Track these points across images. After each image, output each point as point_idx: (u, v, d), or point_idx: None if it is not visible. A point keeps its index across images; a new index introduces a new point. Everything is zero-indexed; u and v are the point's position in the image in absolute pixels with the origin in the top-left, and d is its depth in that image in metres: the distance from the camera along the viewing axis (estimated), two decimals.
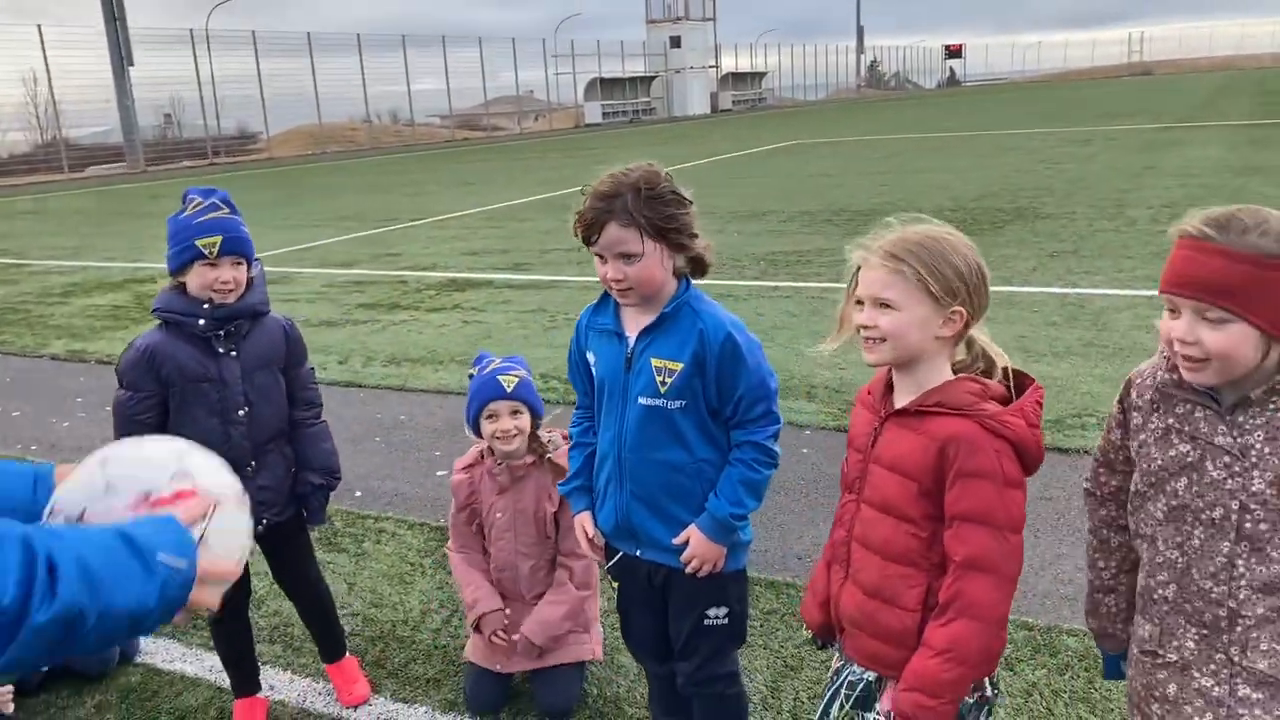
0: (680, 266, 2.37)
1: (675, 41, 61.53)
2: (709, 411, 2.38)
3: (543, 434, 3.13)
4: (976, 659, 1.82)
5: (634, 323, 2.40)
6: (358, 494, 4.97)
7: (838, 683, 2.09)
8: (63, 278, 12.35)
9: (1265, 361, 1.61)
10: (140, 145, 37.86)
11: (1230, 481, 1.68)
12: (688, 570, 2.40)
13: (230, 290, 2.82)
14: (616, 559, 2.55)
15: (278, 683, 3.32)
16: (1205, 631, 1.74)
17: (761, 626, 3.53)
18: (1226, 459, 1.67)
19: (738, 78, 71.31)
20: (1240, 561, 1.69)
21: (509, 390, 3.02)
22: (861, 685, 2.03)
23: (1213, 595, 1.71)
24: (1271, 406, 1.64)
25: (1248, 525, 1.67)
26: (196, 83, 40.00)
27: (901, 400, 1.93)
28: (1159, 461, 1.76)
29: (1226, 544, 1.69)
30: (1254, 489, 1.66)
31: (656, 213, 2.26)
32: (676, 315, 2.35)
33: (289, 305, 9.67)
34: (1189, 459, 1.72)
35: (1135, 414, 1.82)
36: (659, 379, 2.34)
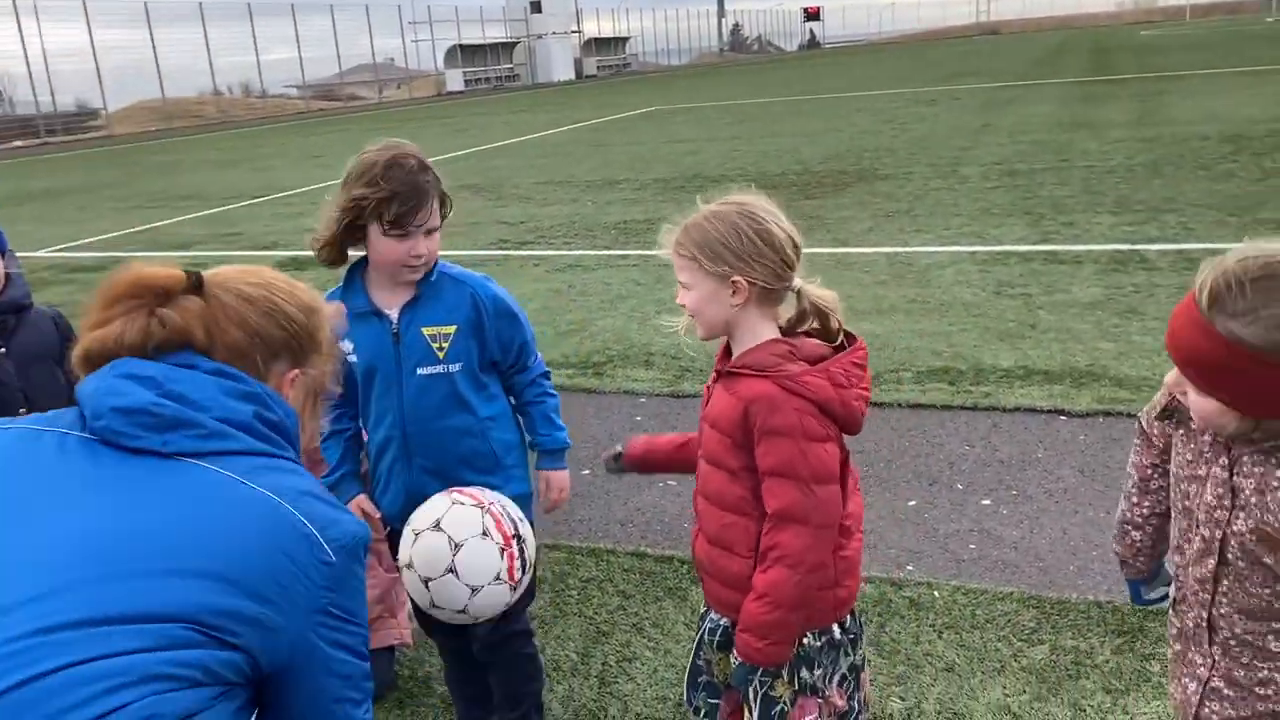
0: None
1: (536, 6, 60.62)
2: (483, 370, 2.50)
3: None
4: (792, 602, 1.94)
5: (389, 300, 2.44)
6: None
7: (703, 628, 2.21)
8: None
9: (1258, 430, 1.59)
10: None
11: (1219, 511, 1.68)
12: (547, 509, 2.67)
13: None
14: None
15: None
16: (1201, 619, 1.79)
17: (579, 595, 3.59)
18: (1220, 490, 1.67)
19: (601, 43, 70.87)
20: (1225, 581, 1.71)
21: None
22: (720, 630, 2.14)
23: (1200, 596, 1.76)
24: (1273, 461, 1.60)
25: (1229, 555, 1.69)
26: (24, 56, 37.56)
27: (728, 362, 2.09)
28: (1180, 460, 1.79)
29: (1212, 560, 1.72)
30: (1236, 528, 1.66)
31: (441, 188, 2.40)
32: (438, 285, 2.45)
33: None
34: (1198, 472, 1.73)
35: (1160, 431, 1.91)
36: (435, 345, 2.43)
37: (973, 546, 3.73)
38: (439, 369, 2.43)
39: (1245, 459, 1.64)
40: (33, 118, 39.04)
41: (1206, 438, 1.70)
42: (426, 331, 2.42)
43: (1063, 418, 4.78)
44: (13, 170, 25.10)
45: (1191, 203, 9.20)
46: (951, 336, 6.04)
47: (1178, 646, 1.88)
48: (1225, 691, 1.77)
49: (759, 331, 2.01)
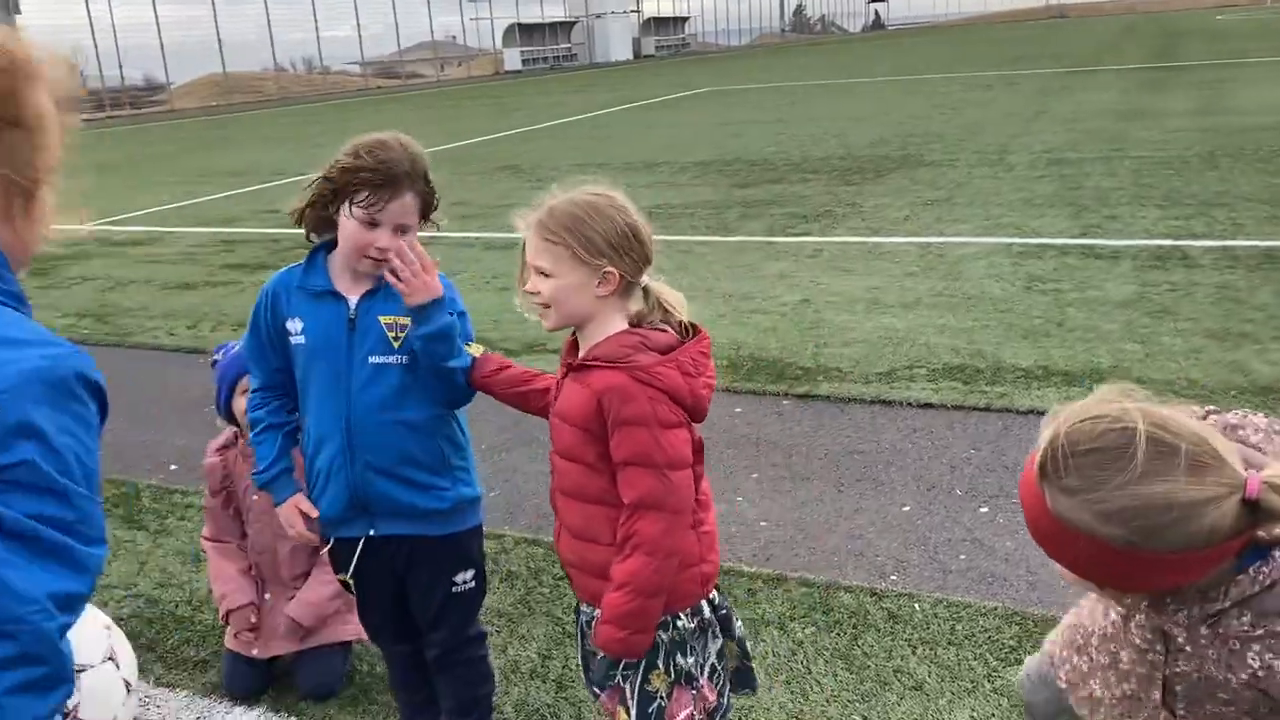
0: None
1: None
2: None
3: None
4: (652, 589, 1.94)
5: (349, 288, 2.35)
6: (173, 468, 4.83)
7: (581, 620, 2.20)
8: None
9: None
10: None
11: (1152, 653, 1.48)
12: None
13: None
14: (352, 558, 2.45)
15: None
16: None
17: (550, 593, 3.51)
18: (1149, 637, 1.48)
19: (660, 22, 70.37)
20: None
21: None
22: (588, 618, 2.14)
23: None
24: (1202, 640, 1.39)
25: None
26: (90, 31, 38.30)
27: (578, 355, 2.06)
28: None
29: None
30: (1179, 668, 1.44)
31: (429, 189, 2.31)
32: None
33: (151, 268, 9.37)
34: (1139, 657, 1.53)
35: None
36: (391, 335, 2.33)
37: (963, 557, 3.58)
38: (392, 359, 2.33)
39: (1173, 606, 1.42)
40: (97, 92, 39.84)
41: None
42: (384, 320, 2.33)
43: None
44: (72, 143, 25.59)
45: (1244, 197, 8.82)
46: (973, 333, 5.84)
47: None
48: None
49: (611, 324, 2.01)
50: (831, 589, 3.40)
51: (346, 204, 2.22)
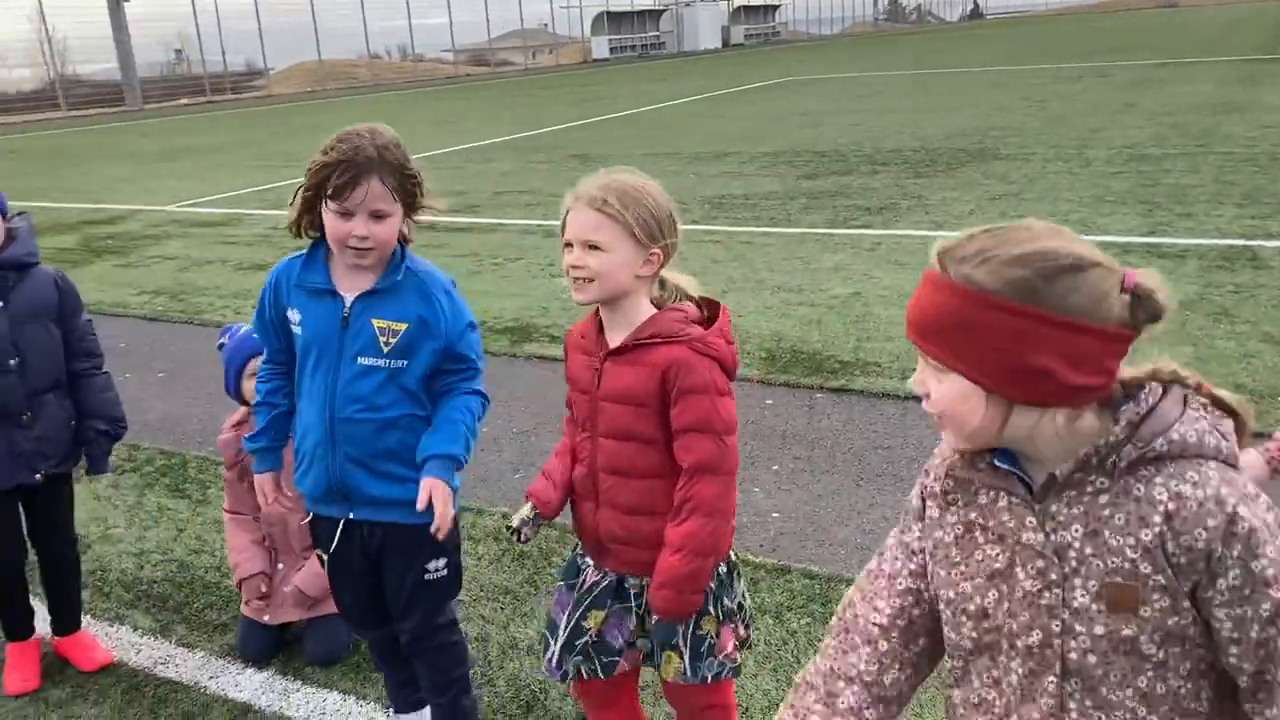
0: (404, 232, 2.42)
1: None
2: (426, 371, 2.43)
3: None
4: (708, 550, 2.08)
5: (350, 283, 2.41)
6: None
7: (594, 593, 2.26)
8: None
9: (1014, 428, 1.28)
10: (138, 83, 37.66)
11: (1046, 595, 1.31)
12: (434, 528, 2.38)
13: None
14: (333, 536, 2.53)
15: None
16: None
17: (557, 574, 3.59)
18: (1040, 564, 1.31)
19: (750, 10, 69.84)
20: (1072, 704, 1.32)
21: None
22: (635, 589, 2.23)
23: None
24: (1090, 489, 1.28)
25: (1073, 655, 1.30)
26: (193, 16, 39.65)
27: (615, 338, 2.13)
28: (961, 569, 1.40)
29: (1051, 679, 1.33)
30: (1076, 604, 1.29)
31: (405, 175, 2.33)
32: (402, 282, 2.39)
33: (228, 248, 9.72)
34: (997, 564, 1.35)
35: (931, 504, 1.46)
36: (382, 339, 2.38)
37: None
38: (380, 362, 2.38)
39: (1055, 509, 1.30)
40: (199, 77, 41.23)
41: (1003, 501, 1.35)
42: (377, 323, 2.37)
43: None
44: (172, 127, 26.60)
45: None
46: None
47: None
48: None
49: (642, 304, 2.12)
50: (834, 582, 3.41)
51: (326, 197, 2.29)
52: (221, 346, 3.17)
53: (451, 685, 2.67)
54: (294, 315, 2.46)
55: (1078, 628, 1.29)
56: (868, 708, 1.49)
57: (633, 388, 2.08)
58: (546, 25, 62.59)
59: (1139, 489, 1.25)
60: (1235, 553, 1.21)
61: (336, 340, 2.41)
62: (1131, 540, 1.25)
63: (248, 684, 3.08)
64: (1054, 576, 1.30)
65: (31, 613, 3.20)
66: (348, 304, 2.39)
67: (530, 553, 3.72)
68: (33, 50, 40.46)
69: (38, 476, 2.98)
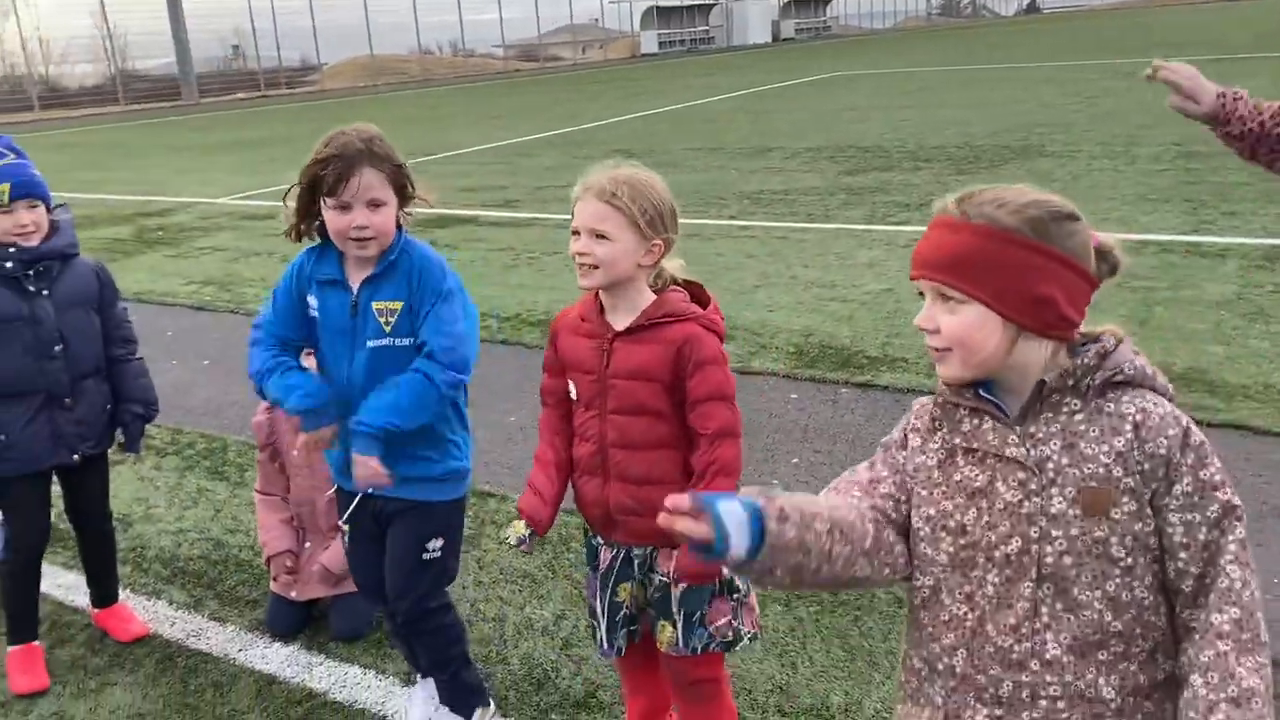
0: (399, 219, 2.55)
1: None
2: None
3: None
4: None
5: (357, 273, 2.54)
6: None
7: (615, 567, 2.37)
8: (78, 210, 12.75)
9: (1016, 355, 1.46)
10: (194, 78, 38.48)
11: (1026, 504, 1.45)
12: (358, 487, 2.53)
13: (31, 233, 2.97)
14: (352, 506, 2.66)
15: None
16: (999, 712, 1.48)
17: (575, 559, 3.67)
18: (1021, 475, 1.46)
19: (800, 4, 69.40)
20: (1045, 608, 1.45)
21: None
22: (640, 559, 2.34)
23: (1012, 655, 1.46)
24: (1065, 410, 1.46)
25: (1049, 559, 1.44)
26: (249, 13, 40.38)
27: (621, 320, 2.26)
28: (943, 489, 1.53)
29: (1027, 585, 1.45)
30: (1054, 510, 1.44)
31: (393, 164, 2.46)
32: (397, 262, 2.52)
33: (275, 241, 9.93)
34: (977, 483, 1.50)
35: (913, 435, 1.60)
36: (382, 320, 2.52)
37: None
38: (386, 342, 2.51)
39: (1034, 429, 1.47)
40: (254, 73, 41.96)
41: (986, 424, 1.50)
42: (376, 305, 2.51)
43: None
44: (226, 121, 27.14)
45: None
46: None
47: None
48: None
49: (642, 290, 2.26)
50: None
51: (324, 196, 2.41)
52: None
53: (451, 662, 2.77)
54: (312, 301, 2.60)
55: (1054, 532, 1.44)
56: (867, 509, 1.58)
57: (647, 364, 2.21)
58: (596, 20, 62.85)
59: (1109, 406, 1.46)
60: (1189, 461, 1.41)
61: (349, 327, 2.54)
62: (1105, 448, 1.43)
63: (274, 657, 3.21)
64: (1034, 486, 1.46)
65: (37, 611, 3.23)
66: (355, 292, 2.53)
67: (550, 539, 3.81)
68: (95, 46, 41.50)
69: (75, 457, 3.11)
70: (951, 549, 1.52)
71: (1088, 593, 1.43)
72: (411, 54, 49.53)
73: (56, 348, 3.03)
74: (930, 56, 33.16)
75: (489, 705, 2.85)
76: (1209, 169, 9.99)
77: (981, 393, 1.51)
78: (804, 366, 5.46)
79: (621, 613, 2.39)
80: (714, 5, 60.35)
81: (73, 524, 3.32)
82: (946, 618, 1.52)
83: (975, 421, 1.52)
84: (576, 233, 2.20)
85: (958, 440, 1.53)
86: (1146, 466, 1.42)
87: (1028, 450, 1.46)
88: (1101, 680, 1.44)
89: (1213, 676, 1.36)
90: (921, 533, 1.56)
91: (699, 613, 2.30)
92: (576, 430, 2.37)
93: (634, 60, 51.06)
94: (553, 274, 7.91)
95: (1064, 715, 1.45)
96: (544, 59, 56.34)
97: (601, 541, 2.40)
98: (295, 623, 3.32)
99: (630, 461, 2.27)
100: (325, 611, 3.37)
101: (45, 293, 3.02)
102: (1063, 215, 1.46)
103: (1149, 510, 1.42)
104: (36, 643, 3.21)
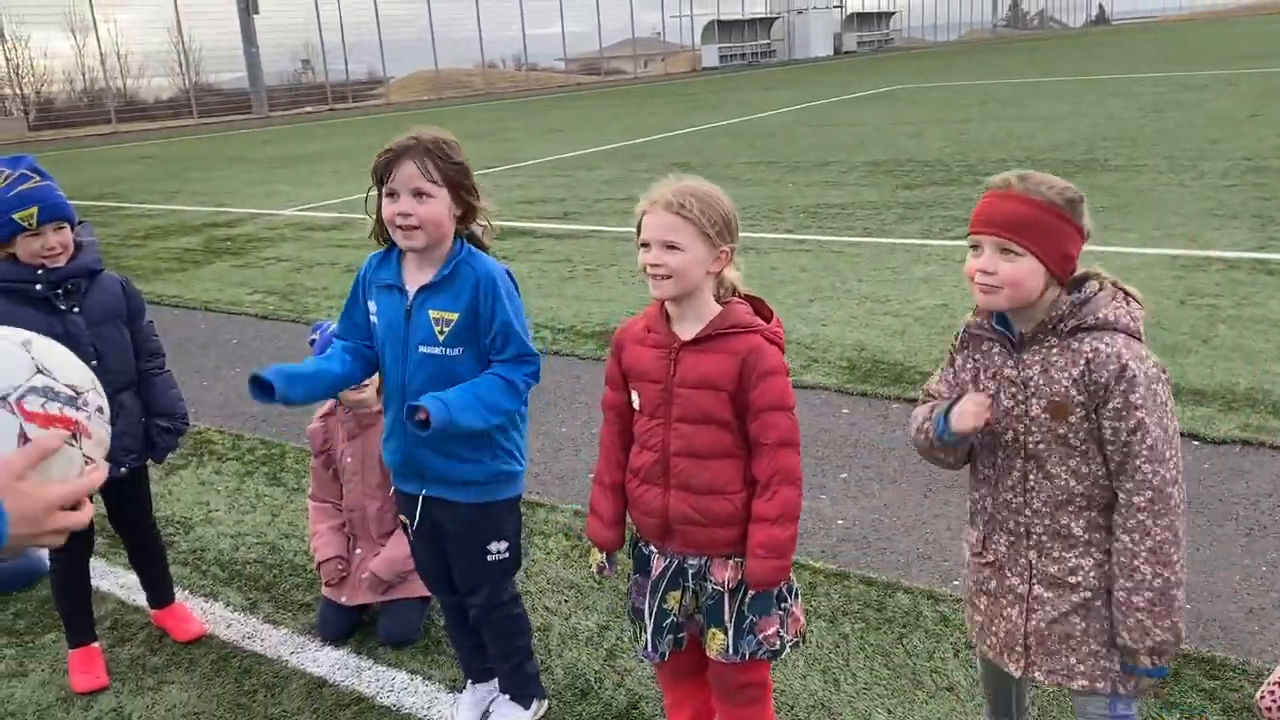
0: (460, 228, 2.61)
1: None
2: (482, 356, 2.61)
3: None
4: (798, 514, 2.31)
5: (414, 278, 2.61)
6: None
7: (667, 576, 2.41)
8: (150, 221, 13.19)
9: (1044, 296, 2.01)
10: (264, 91, 39.40)
11: (1016, 409, 2.08)
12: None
13: (59, 254, 2.98)
14: (413, 507, 2.74)
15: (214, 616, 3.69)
16: (1012, 538, 2.15)
17: (622, 569, 3.69)
18: (1013, 389, 2.08)
19: (863, 18, 69.06)
20: (1031, 477, 2.10)
21: None
22: (694, 569, 2.38)
23: (1013, 504, 2.13)
24: (1046, 345, 2.04)
25: (1030, 445, 2.08)
26: (318, 27, 41.27)
27: (687, 330, 2.31)
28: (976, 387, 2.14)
29: (1019, 460, 2.11)
30: (1032, 414, 2.06)
31: (447, 161, 2.52)
32: (457, 271, 2.58)
33: (337, 251, 10.16)
34: (990, 391, 2.11)
35: (956, 355, 2.21)
36: (437, 329, 2.57)
37: None
38: (438, 350, 2.57)
39: (1025, 356, 2.07)
40: (322, 86, 42.85)
41: (996, 349, 2.11)
42: (433, 314, 2.57)
43: (1195, 442, 4.38)
44: (293, 134, 27.73)
45: None
46: None
47: (993, 584, 2.22)
48: (1045, 595, 2.13)
49: (709, 299, 2.31)
50: (891, 589, 3.45)
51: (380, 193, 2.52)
52: (313, 343, 3.38)
53: (516, 653, 2.88)
54: (372, 306, 2.68)
55: (1033, 429, 2.08)
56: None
57: (713, 373, 2.26)
58: (658, 34, 63.07)
59: (1074, 345, 2.02)
60: (1121, 388, 1.97)
61: (403, 331, 2.61)
62: (1067, 374, 2.02)
63: (324, 660, 3.29)
64: (1020, 397, 2.08)
65: (91, 614, 3.31)
66: (410, 298, 2.59)
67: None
68: (170, 61, 42.71)
69: (122, 470, 3.14)
70: (980, 436, 2.14)
71: (1058, 468, 2.07)
72: (476, 68, 50.20)
73: (92, 363, 3.10)
74: (994, 69, 32.76)
75: (545, 699, 2.96)
76: (1279, 185, 9.75)
77: (996, 325, 2.11)
78: (856, 381, 5.44)
79: (669, 620, 2.43)
80: (775, 19, 60.27)
81: (121, 536, 3.40)
82: (981, 477, 2.21)
83: (989, 346, 2.13)
84: (646, 245, 2.26)
85: (979, 359, 2.14)
86: (1092, 388, 2.00)
87: (1019, 372, 2.08)
88: (1072, 523, 2.09)
89: (1135, 536, 2.01)
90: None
91: (750, 620, 2.34)
92: (637, 438, 2.41)
93: (695, 74, 51.18)
94: (609, 286, 7.97)
95: (1049, 543, 2.11)
96: (605, 72, 56.74)
97: (654, 550, 2.43)
98: (345, 627, 3.39)
99: (693, 470, 2.31)
100: (375, 616, 3.44)
101: (76, 310, 3.03)
102: (1081, 198, 2.01)
103: (1094, 416, 2.01)
104: (95, 644, 3.31)
